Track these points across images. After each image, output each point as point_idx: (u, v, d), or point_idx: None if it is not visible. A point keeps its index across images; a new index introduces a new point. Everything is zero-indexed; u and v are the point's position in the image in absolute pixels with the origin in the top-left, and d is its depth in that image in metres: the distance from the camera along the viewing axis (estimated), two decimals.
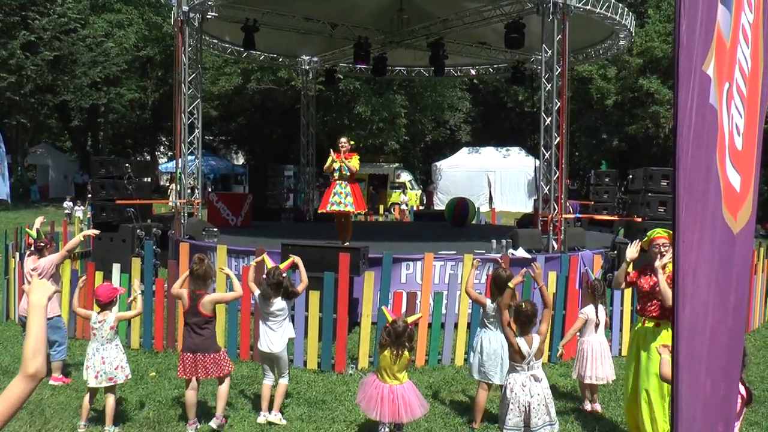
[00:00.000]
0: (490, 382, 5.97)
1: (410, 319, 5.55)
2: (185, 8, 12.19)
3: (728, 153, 2.38)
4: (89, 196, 24.95)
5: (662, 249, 5.33)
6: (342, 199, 10.54)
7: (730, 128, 2.40)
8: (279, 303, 6.03)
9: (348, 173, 10.58)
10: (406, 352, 5.36)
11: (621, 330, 8.56)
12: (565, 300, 8.27)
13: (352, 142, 11.11)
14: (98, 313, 5.87)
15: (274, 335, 5.99)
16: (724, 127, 2.34)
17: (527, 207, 32.12)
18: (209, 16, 12.77)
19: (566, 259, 9.15)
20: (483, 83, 39.38)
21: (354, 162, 10.61)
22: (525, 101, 37.70)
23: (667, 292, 5.04)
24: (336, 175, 10.62)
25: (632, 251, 5.59)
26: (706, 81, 2.18)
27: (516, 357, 5.07)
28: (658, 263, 5.23)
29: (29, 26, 29.71)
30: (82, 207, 23.92)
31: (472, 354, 6.17)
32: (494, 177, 34.43)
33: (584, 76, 31.29)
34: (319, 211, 11.30)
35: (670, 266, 5.26)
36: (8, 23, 29.62)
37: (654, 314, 5.38)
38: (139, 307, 6.14)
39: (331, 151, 10.71)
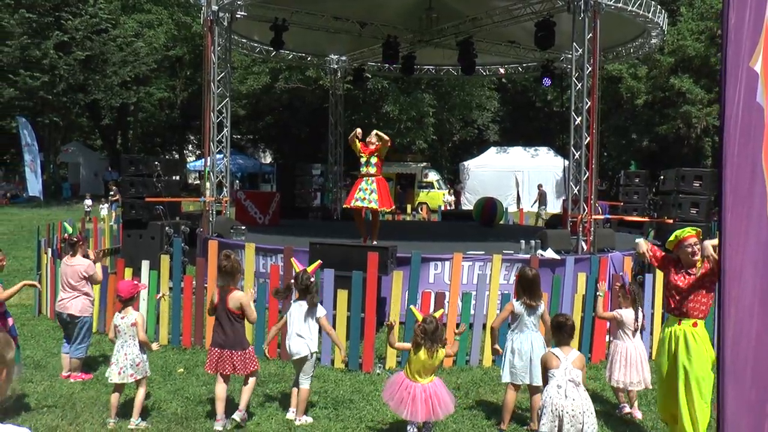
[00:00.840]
0: (520, 383, 5.90)
1: (437, 314, 5.58)
2: (215, 8, 12.25)
3: None
4: (110, 194, 25.16)
5: (695, 248, 5.17)
6: (367, 195, 10.36)
7: None
8: (302, 305, 6.00)
9: (374, 169, 10.43)
10: (440, 349, 5.37)
11: (651, 333, 8.42)
12: (595, 302, 8.15)
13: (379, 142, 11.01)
14: (120, 310, 5.92)
15: (301, 340, 5.96)
16: None
17: (556, 207, 31.88)
18: (238, 16, 12.82)
19: (596, 260, 9.03)
20: (511, 82, 39.16)
21: (382, 151, 10.41)
22: (554, 101, 37.39)
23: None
24: (362, 170, 10.51)
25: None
26: (753, 78, 2.11)
27: (552, 364, 5.04)
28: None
29: (62, 26, 30.22)
30: (105, 205, 24.04)
31: (503, 358, 6.05)
32: (522, 177, 34.20)
33: (614, 75, 30.94)
34: (344, 207, 11.21)
35: (699, 263, 5.22)
36: (42, 24, 30.16)
37: (695, 313, 5.21)
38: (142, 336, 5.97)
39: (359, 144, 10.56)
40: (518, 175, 34.21)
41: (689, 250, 5.18)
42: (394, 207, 11.21)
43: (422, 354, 5.32)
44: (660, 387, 5.61)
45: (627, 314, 6.45)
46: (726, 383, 2.06)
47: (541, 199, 27.90)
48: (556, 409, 4.84)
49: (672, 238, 5.35)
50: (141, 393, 5.83)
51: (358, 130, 10.53)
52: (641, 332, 6.57)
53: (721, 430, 2.11)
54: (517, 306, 5.91)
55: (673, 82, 29.39)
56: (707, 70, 30.06)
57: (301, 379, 6.02)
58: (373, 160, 10.35)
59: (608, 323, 7.24)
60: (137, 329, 5.85)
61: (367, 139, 10.51)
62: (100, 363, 7.51)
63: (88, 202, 25.80)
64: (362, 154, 10.40)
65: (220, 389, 5.82)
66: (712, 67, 29.65)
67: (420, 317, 5.49)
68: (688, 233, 5.25)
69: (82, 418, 5.92)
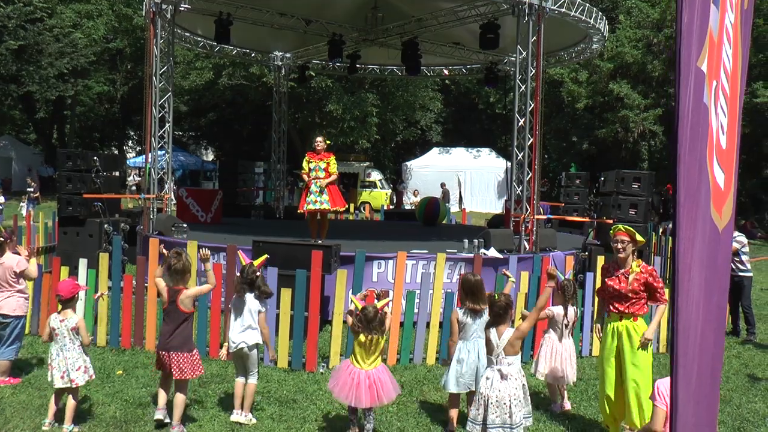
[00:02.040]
0: (466, 391, 5.79)
1: (380, 304, 5.61)
2: None
3: (715, 151, 2.38)
4: (29, 190, 23.98)
5: (619, 245, 5.55)
6: (318, 197, 10.48)
7: (716, 127, 2.40)
8: (251, 302, 5.91)
9: (323, 174, 10.52)
10: (379, 337, 5.43)
11: (592, 330, 8.59)
12: (536, 299, 8.29)
13: (328, 141, 11.02)
14: (59, 312, 5.69)
15: (244, 332, 5.88)
16: (713, 125, 2.34)
17: (497, 208, 32.34)
18: (182, 8, 12.55)
19: (538, 259, 9.18)
20: (455, 84, 39.50)
21: (332, 164, 10.56)
22: (496, 103, 37.89)
23: None
24: (312, 174, 10.56)
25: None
26: (700, 78, 2.17)
27: (488, 348, 5.10)
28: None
29: None
30: (23, 203, 22.45)
31: (449, 367, 5.89)
32: (464, 177, 34.59)
33: (555, 79, 31.54)
34: (299, 212, 11.19)
35: (635, 266, 5.58)
36: None
37: (631, 310, 5.54)
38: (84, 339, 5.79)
39: (307, 155, 10.70)
40: (460, 176, 34.58)
41: (615, 245, 5.58)
42: (345, 206, 11.24)
43: (361, 340, 5.41)
44: (601, 385, 5.75)
45: (557, 311, 6.58)
46: (678, 373, 2.13)
47: (444, 197, 28.97)
48: (482, 398, 4.95)
49: (612, 229, 5.76)
50: (71, 401, 5.59)
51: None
52: (571, 329, 6.69)
53: (673, 418, 2.19)
54: (461, 314, 5.85)
55: (612, 87, 30.09)
56: (644, 77, 30.89)
57: (248, 374, 5.94)
58: (322, 165, 10.46)
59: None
60: (81, 333, 5.64)
61: (315, 144, 10.60)
62: (33, 366, 7.23)
63: (0, 198, 24.33)
64: (312, 160, 10.47)
65: (162, 394, 5.69)
66: (648, 74, 30.50)
67: (360, 306, 5.55)
68: (620, 230, 5.63)
69: (12, 423, 5.68)
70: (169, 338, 5.57)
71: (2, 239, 6.91)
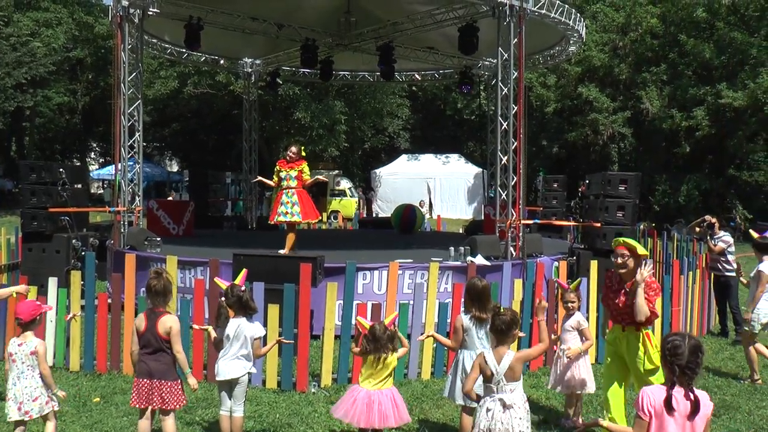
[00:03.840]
0: (475, 405, 5.43)
1: (387, 321, 5.38)
2: (125, 3, 11.44)
3: None
4: None
5: (619, 260, 5.32)
6: (289, 208, 10.13)
7: None
8: (247, 327, 5.39)
9: (294, 183, 10.14)
10: (391, 355, 5.16)
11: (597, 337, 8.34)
12: (532, 307, 8.01)
13: (304, 152, 10.61)
14: (19, 335, 5.07)
15: (233, 362, 5.35)
16: None
17: (468, 214, 32.19)
18: (150, 12, 12.05)
19: (532, 265, 8.91)
20: (422, 90, 39.35)
21: (305, 171, 10.19)
22: (464, 109, 37.80)
23: (643, 308, 5.10)
24: (283, 184, 10.20)
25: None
26: None
27: (484, 375, 4.57)
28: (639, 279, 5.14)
29: None
30: None
31: (451, 376, 5.55)
32: (434, 184, 34.39)
33: (524, 85, 31.60)
34: (270, 222, 10.79)
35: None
36: None
37: (634, 322, 5.31)
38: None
39: (277, 164, 10.36)
40: (430, 183, 34.38)
41: (615, 260, 5.36)
42: (318, 217, 10.84)
43: (370, 360, 5.14)
44: (615, 401, 5.48)
45: (581, 318, 6.35)
46: None
47: (368, 204, 30.77)
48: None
49: (613, 242, 5.58)
50: (50, 429, 5.06)
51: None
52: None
53: None
54: (466, 320, 5.47)
55: (580, 90, 30.21)
56: (611, 80, 31.12)
57: (234, 405, 5.42)
58: (293, 173, 10.11)
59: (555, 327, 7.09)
60: (38, 360, 5.00)
61: (289, 153, 10.24)
62: None
63: None
64: (282, 169, 10.12)
65: (145, 425, 5.12)
66: (615, 77, 30.71)
67: (368, 326, 5.27)
68: (619, 244, 5.39)
69: None
70: (151, 366, 4.99)
71: None
